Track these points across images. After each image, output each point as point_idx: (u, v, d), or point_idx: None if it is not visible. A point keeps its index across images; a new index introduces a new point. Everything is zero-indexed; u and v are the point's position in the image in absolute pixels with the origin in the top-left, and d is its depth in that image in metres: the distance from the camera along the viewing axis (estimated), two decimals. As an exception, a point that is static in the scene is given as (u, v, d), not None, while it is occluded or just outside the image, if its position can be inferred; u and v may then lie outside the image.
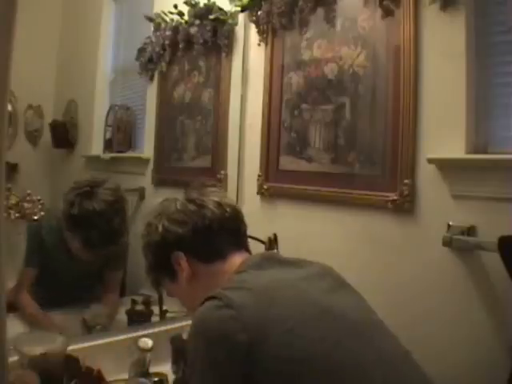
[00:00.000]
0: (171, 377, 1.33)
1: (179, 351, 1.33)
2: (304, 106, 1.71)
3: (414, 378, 0.84)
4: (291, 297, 0.87)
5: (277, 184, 1.80)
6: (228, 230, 1.00)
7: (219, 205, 1.01)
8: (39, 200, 1.47)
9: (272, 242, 1.65)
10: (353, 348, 0.81)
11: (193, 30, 1.98)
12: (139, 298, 1.63)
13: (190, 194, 1.04)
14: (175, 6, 2.01)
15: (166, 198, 1.07)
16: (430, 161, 1.33)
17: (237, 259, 0.97)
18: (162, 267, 1.00)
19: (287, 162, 1.77)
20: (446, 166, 1.32)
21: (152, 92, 2.21)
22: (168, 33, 2.06)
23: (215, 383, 0.78)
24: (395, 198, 1.41)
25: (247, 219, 1.97)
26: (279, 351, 0.77)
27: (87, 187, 1.43)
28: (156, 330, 1.50)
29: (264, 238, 1.65)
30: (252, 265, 0.95)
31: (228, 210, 1.01)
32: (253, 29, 1.90)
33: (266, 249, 1.63)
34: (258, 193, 1.87)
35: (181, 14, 2.02)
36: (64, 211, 1.41)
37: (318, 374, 0.77)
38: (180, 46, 2.03)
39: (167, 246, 0.98)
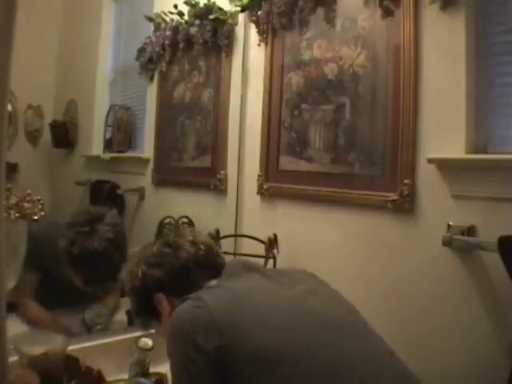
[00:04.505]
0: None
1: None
2: (304, 106, 1.71)
3: (395, 374, 0.85)
4: (264, 297, 0.92)
5: (277, 184, 1.80)
6: (204, 265, 1.05)
7: (193, 243, 1.07)
8: (39, 200, 1.47)
9: (272, 242, 1.65)
10: (330, 346, 0.84)
11: (193, 30, 1.98)
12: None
13: (166, 237, 1.11)
14: (175, 6, 2.01)
15: (144, 244, 1.14)
16: (430, 161, 1.33)
17: (212, 283, 1.02)
18: (146, 310, 1.07)
19: (287, 162, 1.77)
20: (446, 166, 1.32)
21: (152, 92, 2.21)
22: (168, 33, 2.07)
23: (189, 378, 0.83)
24: (395, 197, 1.41)
25: (247, 219, 1.97)
26: (251, 350, 0.81)
27: (87, 225, 1.39)
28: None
29: (264, 237, 1.65)
30: (224, 273, 1.03)
31: (202, 247, 1.07)
32: (253, 29, 1.90)
33: (266, 249, 1.63)
34: (258, 193, 1.87)
35: (181, 13, 2.03)
36: (64, 249, 1.38)
37: (292, 373, 0.80)
38: (180, 45, 2.03)
39: (148, 288, 1.04)
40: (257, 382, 0.80)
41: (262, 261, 1.59)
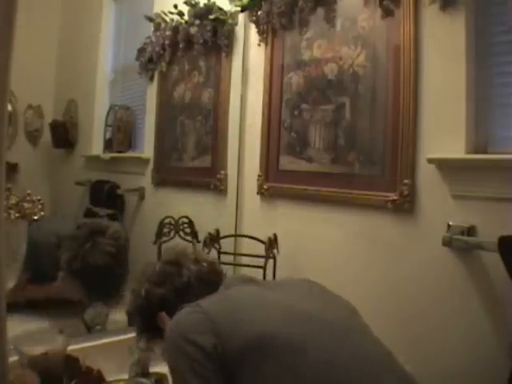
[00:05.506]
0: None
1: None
2: (304, 106, 1.71)
3: (394, 377, 0.85)
4: (260, 301, 0.93)
5: (277, 184, 1.80)
6: (207, 282, 1.05)
7: (196, 261, 1.08)
8: (39, 200, 1.47)
9: (272, 242, 1.65)
10: (325, 349, 0.84)
11: (193, 30, 1.98)
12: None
13: (168, 255, 1.12)
14: (175, 6, 2.02)
15: (145, 263, 1.13)
16: (430, 161, 1.33)
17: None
18: (150, 329, 1.06)
19: (287, 162, 1.77)
20: (446, 166, 1.32)
21: (152, 92, 2.21)
22: (168, 33, 2.07)
23: (191, 377, 0.82)
24: (395, 197, 1.41)
25: (247, 219, 1.97)
26: (248, 350, 0.81)
27: (89, 238, 1.40)
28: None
29: (264, 237, 1.65)
30: (222, 286, 1.04)
31: (204, 264, 1.08)
32: (253, 29, 1.90)
33: (266, 249, 1.63)
34: (258, 193, 1.87)
35: (181, 13, 2.03)
36: (66, 261, 1.39)
37: (287, 377, 0.80)
38: (180, 45, 2.04)
39: (151, 307, 1.04)
40: (258, 380, 0.80)
41: (262, 261, 1.59)
